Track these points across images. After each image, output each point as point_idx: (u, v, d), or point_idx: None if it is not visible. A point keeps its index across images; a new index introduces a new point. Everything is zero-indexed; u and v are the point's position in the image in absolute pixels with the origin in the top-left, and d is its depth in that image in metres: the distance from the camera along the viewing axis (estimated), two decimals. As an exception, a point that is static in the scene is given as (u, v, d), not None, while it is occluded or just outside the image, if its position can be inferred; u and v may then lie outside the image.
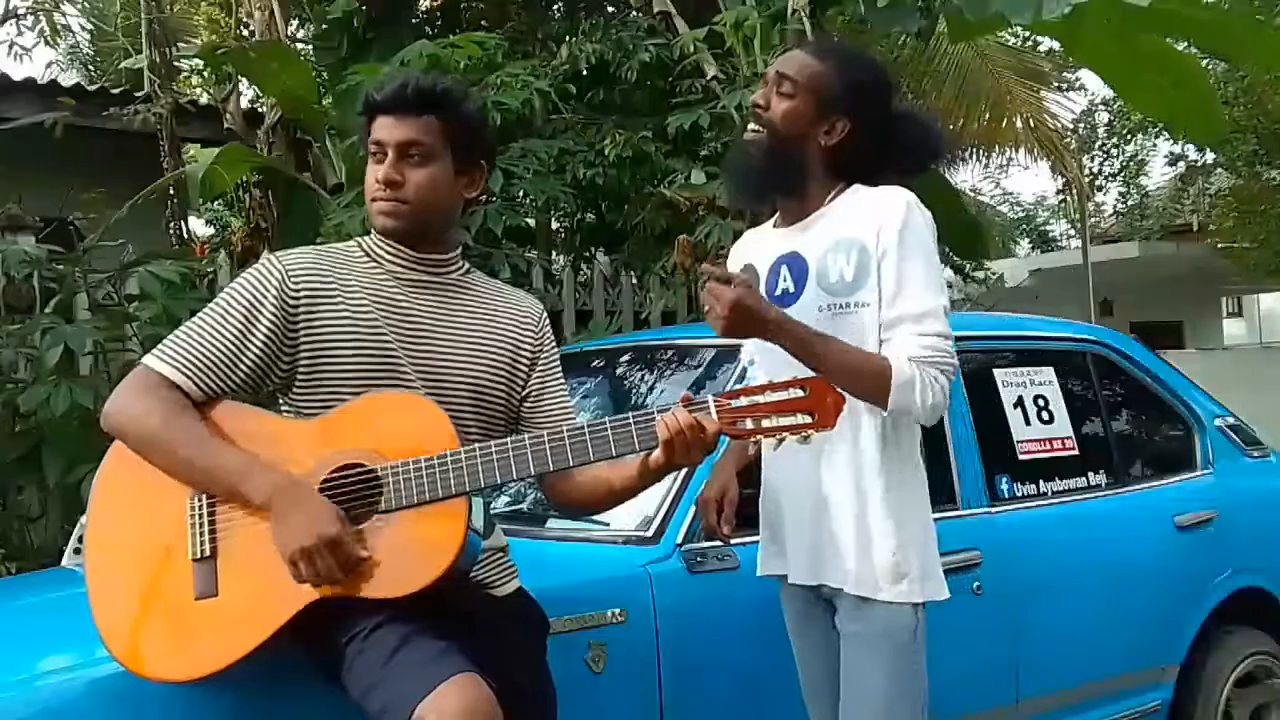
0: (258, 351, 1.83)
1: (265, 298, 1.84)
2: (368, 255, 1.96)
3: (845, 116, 2.06)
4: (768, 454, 2.12)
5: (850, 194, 2.08)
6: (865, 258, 1.99)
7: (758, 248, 2.20)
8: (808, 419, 1.75)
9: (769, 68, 2.14)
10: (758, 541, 2.24)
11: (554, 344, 2.09)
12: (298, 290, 1.85)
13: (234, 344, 1.82)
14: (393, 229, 1.92)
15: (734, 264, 2.27)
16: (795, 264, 2.09)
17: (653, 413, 1.77)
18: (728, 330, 1.90)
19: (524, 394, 2.02)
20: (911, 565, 2.00)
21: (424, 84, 1.93)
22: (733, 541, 2.36)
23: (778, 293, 2.10)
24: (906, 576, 1.99)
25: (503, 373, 1.99)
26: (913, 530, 2.02)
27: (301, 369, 1.86)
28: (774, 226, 2.20)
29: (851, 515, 2.01)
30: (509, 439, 1.79)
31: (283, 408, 1.92)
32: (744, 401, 1.77)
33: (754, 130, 2.10)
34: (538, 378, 2.03)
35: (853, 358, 1.94)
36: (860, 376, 1.93)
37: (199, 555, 1.75)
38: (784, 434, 1.76)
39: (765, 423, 1.76)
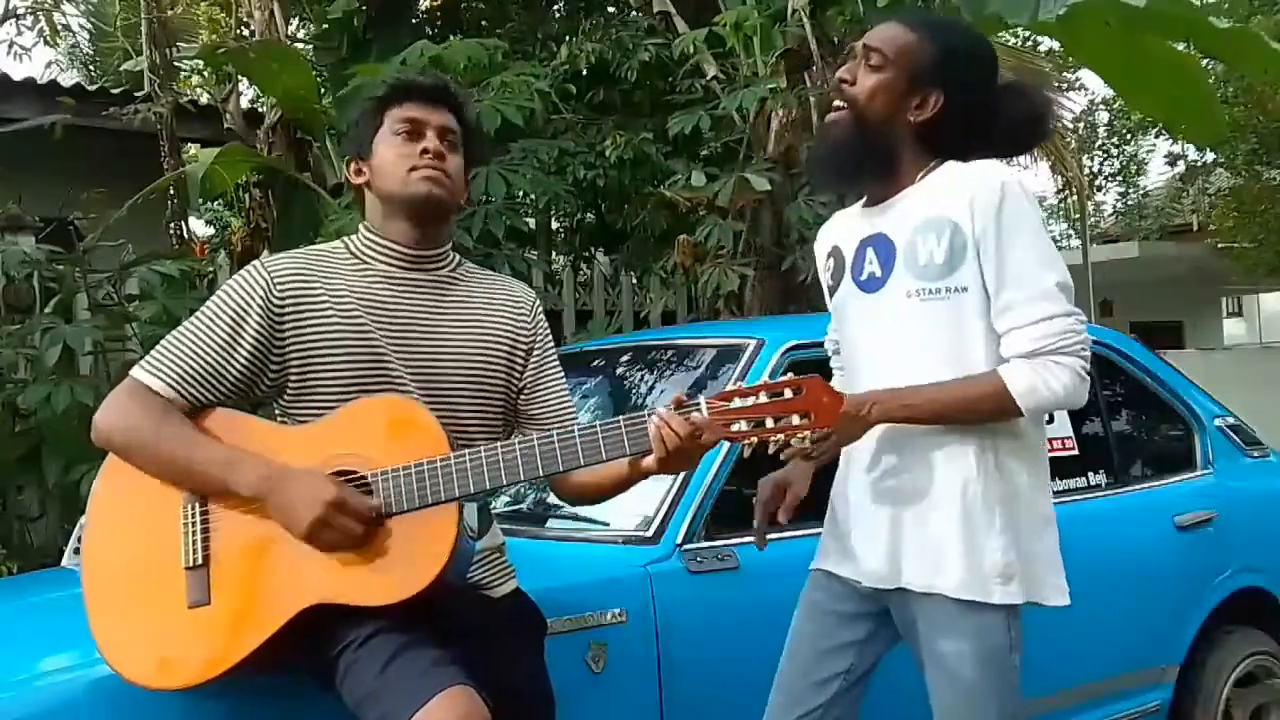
0: (244, 362, 1.83)
1: (250, 308, 1.83)
2: (355, 256, 1.95)
3: (937, 89, 1.91)
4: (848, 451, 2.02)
5: (941, 170, 1.92)
6: (959, 238, 1.84)
7: (844, 230, 2.07)
8: (804, 420, 1.70)
9: (858, 41, 2.00)
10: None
11: (548, 331, 2.08)
12: (283, 298, 1.85)
13: (219, 356, 1.82)
14: (438, 197, 1.92)
15: (820, 249, 2.15)
16: (881, 246, 1.95)
17: (644, 416, 1.73)
18: (842, 442, 1.89)
19: (520, 384, 2.01)
20: (1017, 567, 1.86)
21: (451, 84, 2.05)
22: (731, 542, 2.37)
23: (864, 277, 1.97)
24: (1015, 578, 1.86)
25: (501, 364, 1.98)
26: (1024, 528, 1.89)
27: (292, 376, 1.85)
28: (862, 206, 2.05)
29: (956, 515, 1.87)
30: (499, 444, 1.78)
31: (276, 413, 1.92)
32: (738, 403, 1.72)
33: (838, 108, 1.96)
34: (534, 367, 2.02)
35: (961, 392, 1.84)
36: (978, 406, 1.84)
37: (192, 563, 1.75)
38: (780, 435, 1.72)
39: (760, 424, 1.71)
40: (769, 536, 2.10)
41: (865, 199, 2.04)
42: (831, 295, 2.09)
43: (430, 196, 1.91)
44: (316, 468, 1.75)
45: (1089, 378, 1.86)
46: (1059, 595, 1.93)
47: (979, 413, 1.86)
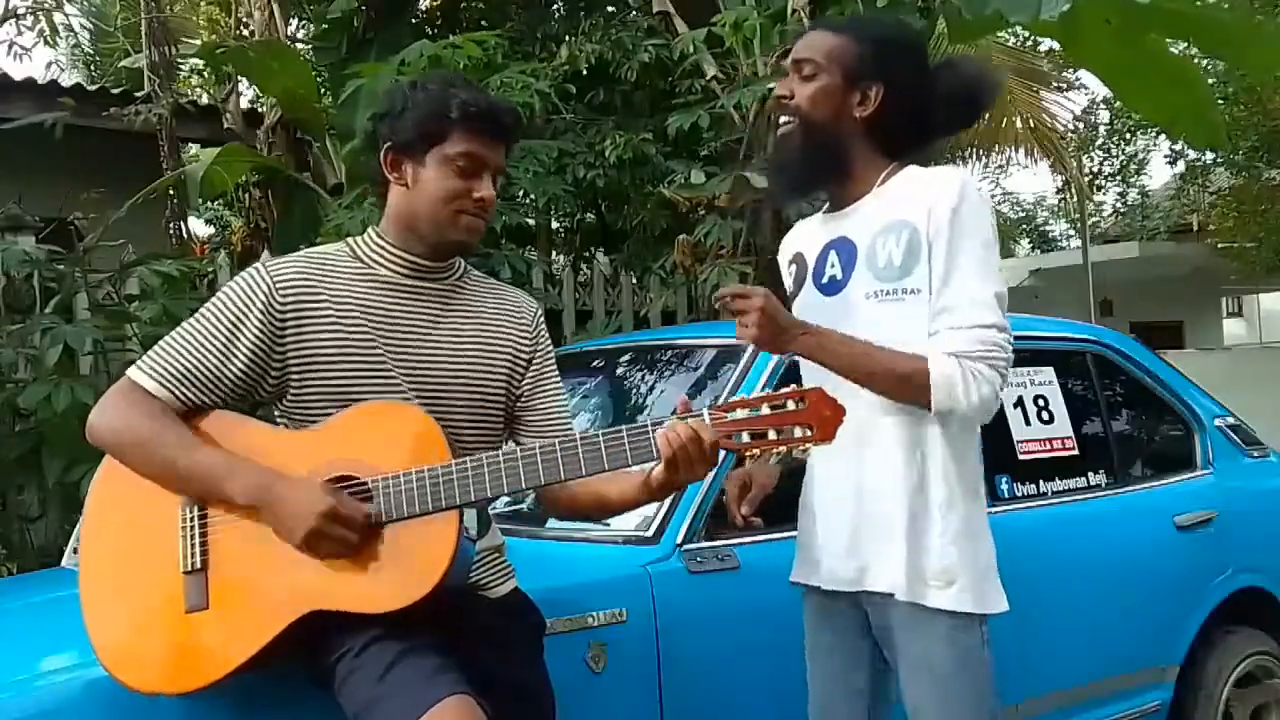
0: (242, 366, 1.80)
1: (251, 311, 1.81)
2: (360, 261, 1.91)
3: (875, 81, 1.94)
4: (812, 458, 2.03)
5: (902, 175, 1.96)
6: (916, 240, 1.87)
7: (807, 236, 2.10)
8: (806, 432, 1.67)
9: (786, 57, 2.04)
10: (759, 541, 2.24)
11: (549, 343, 2.05)
12: (285, 302, 1.82)
13: (216, 358, 1.80)
14: (473, 245, 1.93)
15: (784, 256, 2.17)
16: (844, 249, 1.98)
17: (647, 426, 1.70)
18: (760, 340, 1.82)
19: (518, 393, 1.99)
20: (963, 572, 1.88)
21: (518, 115, 1.98)
22: (733, 542, 2.37)
23: (825, 280, 2.00)
24: (955, 583, 1.88)
25: (501, 375, 1.96)
26: (970, 535, 1.91)
27: (292, 380, 1.83)
28: (824, 213, 2.08)
29: (905, 518, 1.89)
30: (500, 451, 1.77)
31: (277, 416, 1.91)
32: (741, 414, 1.68)
33: (785, 123, 1.99)
34: (531, 378, 2.00)
35: (886, 359, 1.84)
36: (896, 379, 1.84)
37: (190, 568, 1.74)
38: (782, 448, 1.69)
39: (763, 436, 1.68)
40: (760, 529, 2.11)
41: (828, 206, 2.08)
42: (793, 300, 2.10)
43: (469, 246, 1.92)
44: (315, 473, 1.74)
45: (1000, 397, 1.89)
46: (1001, 602, 1.94)
47: (891, 388, 1.86)
